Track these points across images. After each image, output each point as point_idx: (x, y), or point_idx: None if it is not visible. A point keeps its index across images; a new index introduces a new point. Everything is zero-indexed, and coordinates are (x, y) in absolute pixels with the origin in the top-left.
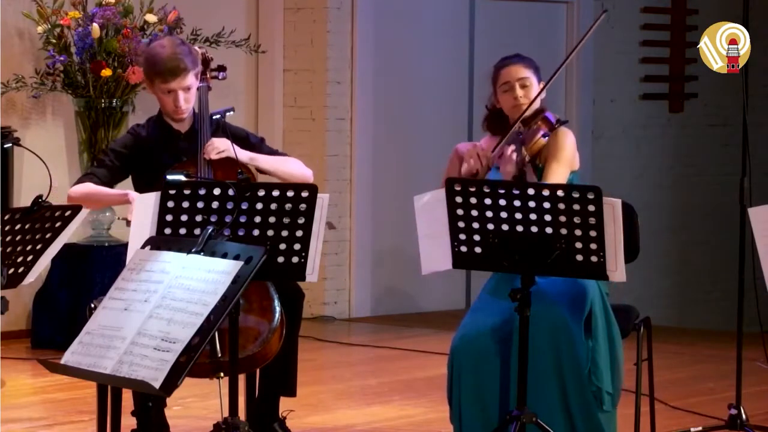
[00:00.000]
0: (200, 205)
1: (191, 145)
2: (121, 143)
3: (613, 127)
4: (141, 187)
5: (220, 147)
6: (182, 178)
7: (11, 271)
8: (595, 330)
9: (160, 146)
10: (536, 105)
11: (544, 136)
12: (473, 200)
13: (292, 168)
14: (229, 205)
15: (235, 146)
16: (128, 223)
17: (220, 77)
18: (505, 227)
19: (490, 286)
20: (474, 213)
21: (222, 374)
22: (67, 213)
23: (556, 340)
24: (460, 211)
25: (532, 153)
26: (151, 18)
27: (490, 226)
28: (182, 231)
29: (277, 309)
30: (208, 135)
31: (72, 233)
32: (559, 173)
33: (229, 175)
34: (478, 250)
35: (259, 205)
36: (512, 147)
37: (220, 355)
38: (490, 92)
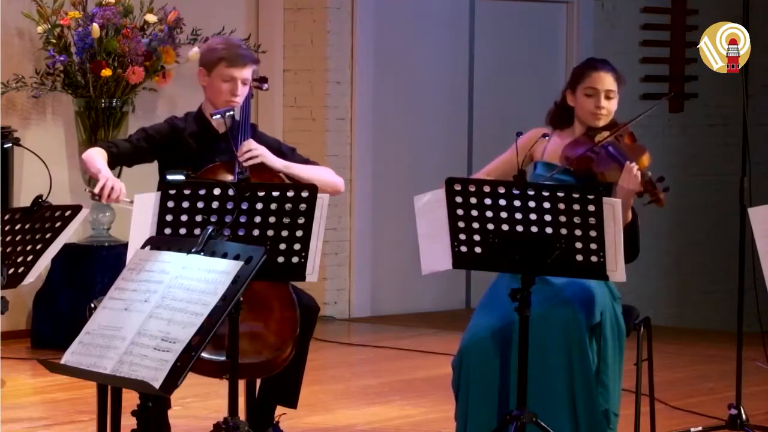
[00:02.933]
0: (200, 205)
1: (228, 145)
2: (155, 129)
3: None
4: None
5: (256, 151)
6: (182, 177)
7: (11, 271)
8: (604, 343)
9: (197, 143)
10: (611, 117)
11: (648, 153)
12: (473, 200)
13: (324, 177)
14: (229, 205)
15: (269, 153)
16: (93, 195)
17: (263, 88)
18: (505, 227)
19: (499, 284)
20: (474, 213)
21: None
22: (67, 213)
23: (569, 342)
24: (460, 211)
25: (642, 167)
26: (151, 18)
27: (490, 226)
28: (182, 231)
29: (298, 323)
30: (247, 138)
31: (72, 233)
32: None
33: (262, 179)
34: (478, 250)
35: (259, 205)
36: (634, 165)
37: None
38: (563, 87)
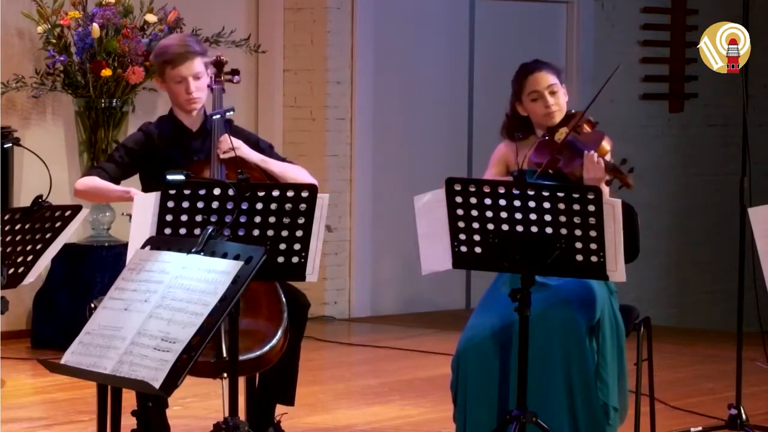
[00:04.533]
0: (200, 205)
1: (203, 143)
2: (133, 140)
3: (613, 127)
4: (150, 185)
5: (234, 144)
6: (182, 177)
7: (11, 271)
8: (603, 340)
9: (171, 144)
10: (565, 109)
11: (608, 139)
12: (473, 200)
13: (299, 177)
14: (229, 205)
15: (246, 146)
16: (131, 218)
17: (234, 81)
18: (505, 227)
19: (497, 286)
20: (474, 213)
21: (226, 375)
22: (67, 213)
23: (565, 342)
24: (460, 211)
25: (603, 155)
26: (151, 18)
27: (490, 226)
28: (182, 231)
29: (285, 315)
30: (222, 133)
31: (72, 233)
32: None
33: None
34: (478, 250)
35: (259, 205)
36: (594, 154)
37: (225, 355)
38: (510, 100)
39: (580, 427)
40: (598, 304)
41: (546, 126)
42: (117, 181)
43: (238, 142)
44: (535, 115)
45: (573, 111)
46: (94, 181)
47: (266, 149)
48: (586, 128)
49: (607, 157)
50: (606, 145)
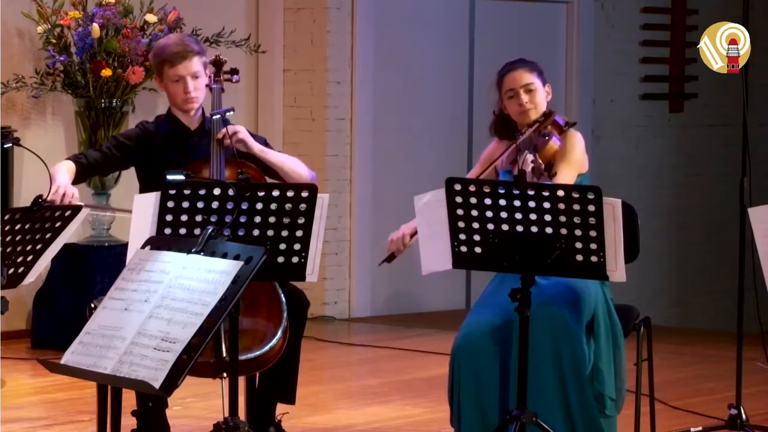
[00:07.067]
0: (200, 205)
1: (201, 143)
2: (126, 135)
3: (613, 127)
4: (147, 183)
5: (236, 127)
6: (182, 177)
7: (11, 271)
8: (597, 334)
9: (169, 143)
10: (544, 108)
11: (556, 140)
12: (473, 200)
13: (296, 167)
14: (229, 205)
15: (246, 132)
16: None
17: (234, 80)
18: (505, 227)
19: (492, 286)
20: (474, 213)
21: (225, 374)
22: (67, 213)
23: (555, 340)
24: (460, 211)
25: (546, 159)
26: (151, 18)
27: (490, 226)
28: (182, 231)
29: (285, 314)
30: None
31: (72, 233)
32: (567, 175)
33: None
34: (478, 250)
35: (259, 205)
36: (529, 156)
37: (225, 355)
38: (496, 98)
39: (575, 423)
40: (590, 300)
41: (523, 124)
42: (95, 170)
43: (239, 127)
44: (513, 113)
45: (549, 110)
46: (57, 166)
47: (260, 143)
48: (551, 130)
49: (542, 165)
50: (550, 151)
